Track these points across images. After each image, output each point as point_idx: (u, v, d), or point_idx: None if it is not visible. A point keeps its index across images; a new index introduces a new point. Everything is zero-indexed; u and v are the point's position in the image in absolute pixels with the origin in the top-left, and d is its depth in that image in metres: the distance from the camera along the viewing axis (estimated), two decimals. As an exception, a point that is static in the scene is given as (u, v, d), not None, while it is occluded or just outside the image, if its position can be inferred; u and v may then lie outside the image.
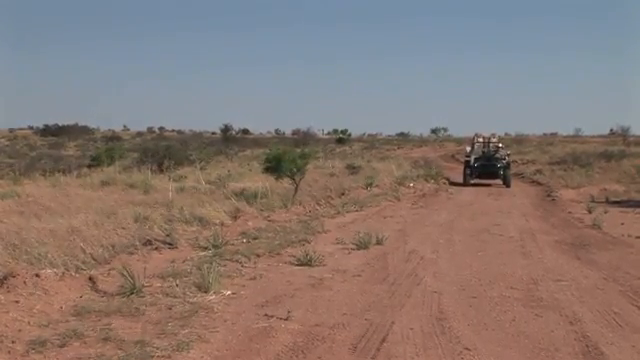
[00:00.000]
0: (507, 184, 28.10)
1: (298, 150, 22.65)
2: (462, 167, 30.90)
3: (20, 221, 11.97)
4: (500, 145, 30.08)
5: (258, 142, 68.81)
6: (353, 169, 30.86)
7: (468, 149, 30.61)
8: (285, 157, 19.48)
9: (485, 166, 28.87)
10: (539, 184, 28.53)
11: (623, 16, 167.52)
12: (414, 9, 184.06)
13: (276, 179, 20.00)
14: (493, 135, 30.98)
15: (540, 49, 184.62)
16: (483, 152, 29.48)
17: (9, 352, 5.57)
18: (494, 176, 28.71)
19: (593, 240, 12.99)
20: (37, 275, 7.41)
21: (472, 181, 28.85)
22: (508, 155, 29.81)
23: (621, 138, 62.24)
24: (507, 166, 28.90)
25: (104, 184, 21.71)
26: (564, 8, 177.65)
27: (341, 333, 6.49)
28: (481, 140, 30.40)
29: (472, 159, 29.24)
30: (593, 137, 75.89)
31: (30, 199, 16.42)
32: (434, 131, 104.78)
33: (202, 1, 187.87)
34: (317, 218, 15.37)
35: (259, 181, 20.36)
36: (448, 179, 30.92)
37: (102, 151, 37.40)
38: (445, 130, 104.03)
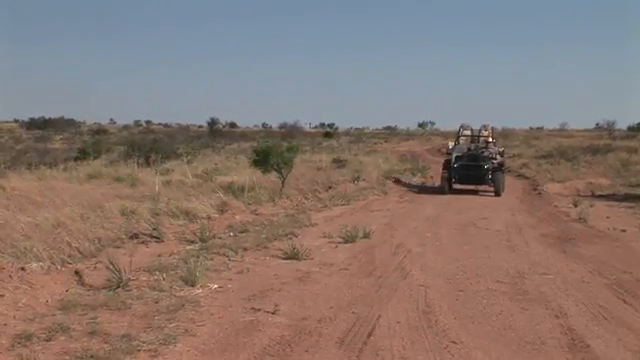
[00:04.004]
0: (497, 192, 21.45)
1: (285, 144, 22.62)
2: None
3: (5, 215, 11.87)
4: (491, 140, 24.18)
5: (245, 135, 68.77)
6: (340, 163, 30.84)
7: (451, 145, 24.54)
8: (272, 151, 19.48)
9: (467, 167, 22.23)
10: (525, 178, 28.45)
11: (609, 11, 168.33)
12: (401, 3, 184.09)
13: (263, 173, 19.98)
14: (484, 127, 24.72)
15: (527, 44, 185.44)
16: (468, 149, 23.10)
17: (-6, 346, 5.54)
18: (479, 181, 22.25)
19: (579, 234, 13.06)
20: (23, 269, 7.38)
21: (449, 188, 22.29)
22: (501, 153, 23.82)
23: (607, 132, 62.71)
24: (499, 168, 22.38)
25: (90, 178, 21.57)
26: (551, 3, 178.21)
27: (328, 327, 6.49)
28: (468, 133, 24.72)
29: (454, 158, 22.73)
30: (579, 131, 76.55)
31: (16, 193, 16.28)
32: (421, 125, 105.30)
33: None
34: (304, 212, 15.37)
35: (246, 175, 20.33)
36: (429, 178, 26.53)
37: (89, 144, 37.22)
38: (432, 124, 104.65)
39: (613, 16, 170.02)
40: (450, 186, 22.36)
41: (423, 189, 23.53)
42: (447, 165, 22.90)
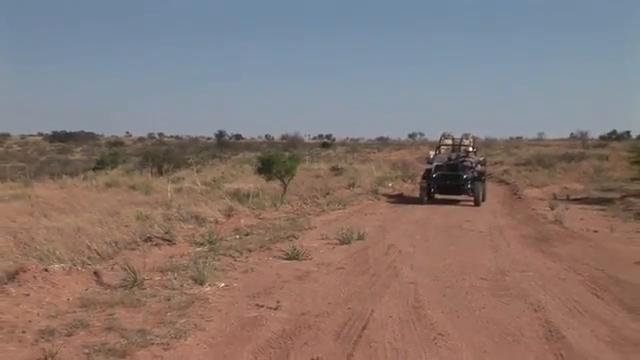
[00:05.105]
0: (476, 202, 19.48)
1: (287, 154, 22.66)
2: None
3: (30, 220, 11.90)
4: (472, 149, 22.44)
5: (250, 146, 68.74)
6: (337, 171, 30.92)
7: (431, 154, 22.28)
8: (275, 160, 19.52)
9: (446, 177, 20.23)
10: (506, 183, 28.43)
11: (583, 27, 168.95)
12: (392, 24, 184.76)
13: (267, 180, 20.02)
14: (466, 136, 22.89)
15: (507, 60, 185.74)
16: (449, 159, 21.08)
17: (20, 341, 5.54)
18: (458, 190, 20.20)
19: (555, 234, 13.06)
20: (46, 270, 7.37)
21: (427, 198, 20.21)
22: (482, 162, 21.54)
23: (580, 141, 62.76)
24: (478, 177, 20.19)
25: (108, 186, 21.62)
26: (529, 19, 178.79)
27: (326, 321, 6.48)
28: (449, 142, 22.82)
29: (433, 167, 20.69)
30: (555, 140, 76.43)
31: (40, 200, 16.31)
32: (411, 135, 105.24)
33: (198, 19, 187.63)
34: (304, 216, 15.36)
35: (251, 182, 20.40)
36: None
37: (106, 155, 37.31)
38: (422, 134, 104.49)
39: (586, 32, 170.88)
40: (429, 196, 20.43)
41: (414, 195, 23.40)
42: (427, 175, 20.98)
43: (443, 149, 22.65)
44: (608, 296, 7.75)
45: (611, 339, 6.02)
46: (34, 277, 7.11)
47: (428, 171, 21.02)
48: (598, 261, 10.02)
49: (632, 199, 19.31)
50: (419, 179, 23.65)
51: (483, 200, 19.94)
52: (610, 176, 28.35)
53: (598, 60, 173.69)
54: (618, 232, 13.38)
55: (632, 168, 25.40)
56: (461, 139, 22.72)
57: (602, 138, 68.99)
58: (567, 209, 17.18)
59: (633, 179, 24.51)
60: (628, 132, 72.22)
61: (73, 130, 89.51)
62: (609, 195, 21.30)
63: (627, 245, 11.73)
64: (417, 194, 21.02)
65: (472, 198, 19.83)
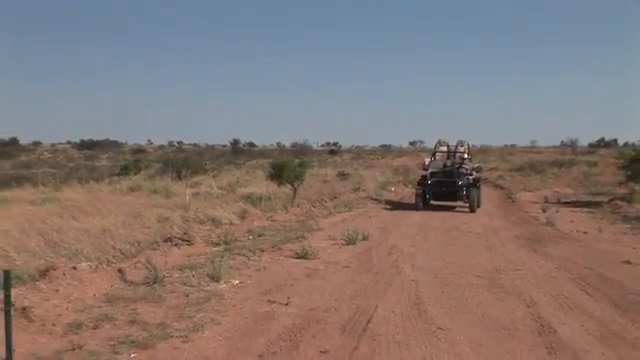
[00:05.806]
0: (471, 208, 18.58)
1: (297, 160, 22.66)
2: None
3: (60, 222, 11.93)
4: (467, 156, 21.28)
5: (262, 153, 68.79)
6: (343, 176, 30.90)
7: (427, 161, 21.39)
8: (286, 166, 19.52)
9: (441, 184, 19.27)
10: (501, 188, 28.34)
11: (573, 41, 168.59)
12: (394, 40, 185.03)
13: (278, 185, 20.01)
14: (461, 143, 21.73)
15: (502, 72, 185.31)
16: (444, 165, 20.05)
17: (50, 333, 5.57)
18: (453, 197, 19.26)
19: (547, 235, 13.01)
20: (74, 268, 7.40)
21: (423, 204, 19.14)
22: (477, 169, 20.87)
23: (570, 148, 62.53)
24: (474, 184, 19.27)
25: (131, 190, 21.69)
26: (523, 35, 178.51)
27: (333, 316, 6.48)
28: (444, 149, 21.68)
29: (429, 174, 19.78)
30: (547, 148, 76.16)
31: (68, 203, 16.37)
32: (412, 143, 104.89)
33: (214, 35, 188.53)
34: (312, 218, 15.35)
35: (263, 187, 20.40)
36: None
37: (130, 162, 37.43)
38: (422, 142, 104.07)
39: (578, 46, 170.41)
40: (425, 203, 19.35)
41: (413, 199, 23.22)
42: (422, 181, 19.99)
43: (438, 156, 21.62)
44: (597, 293, 7.72)
45: (600, 333, 6.00)
46: (63, 274, 7.14)
47: (423, 177, 20.12)
48: (587, 260, 9.98)
49: (619, 202, 19.22)
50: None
51: (478, 206, 19.11)
52: (598, 181, 28.26)
53: (588, 72, 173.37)
54: (606, 233, 13.33)
55: (619, 173, 25.28)
56: (456, 146, 21.69)
57: (591, 145, 68.61)
58: (558, 212, 17.13)
59: (620, 183, 24.40)
60: (615, 140, 71.80)
61: (99, 138, 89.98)
62: (597, 199, 21.24)
63: (614, 245, 11.69)
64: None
65: (467, 204, 18.94)
